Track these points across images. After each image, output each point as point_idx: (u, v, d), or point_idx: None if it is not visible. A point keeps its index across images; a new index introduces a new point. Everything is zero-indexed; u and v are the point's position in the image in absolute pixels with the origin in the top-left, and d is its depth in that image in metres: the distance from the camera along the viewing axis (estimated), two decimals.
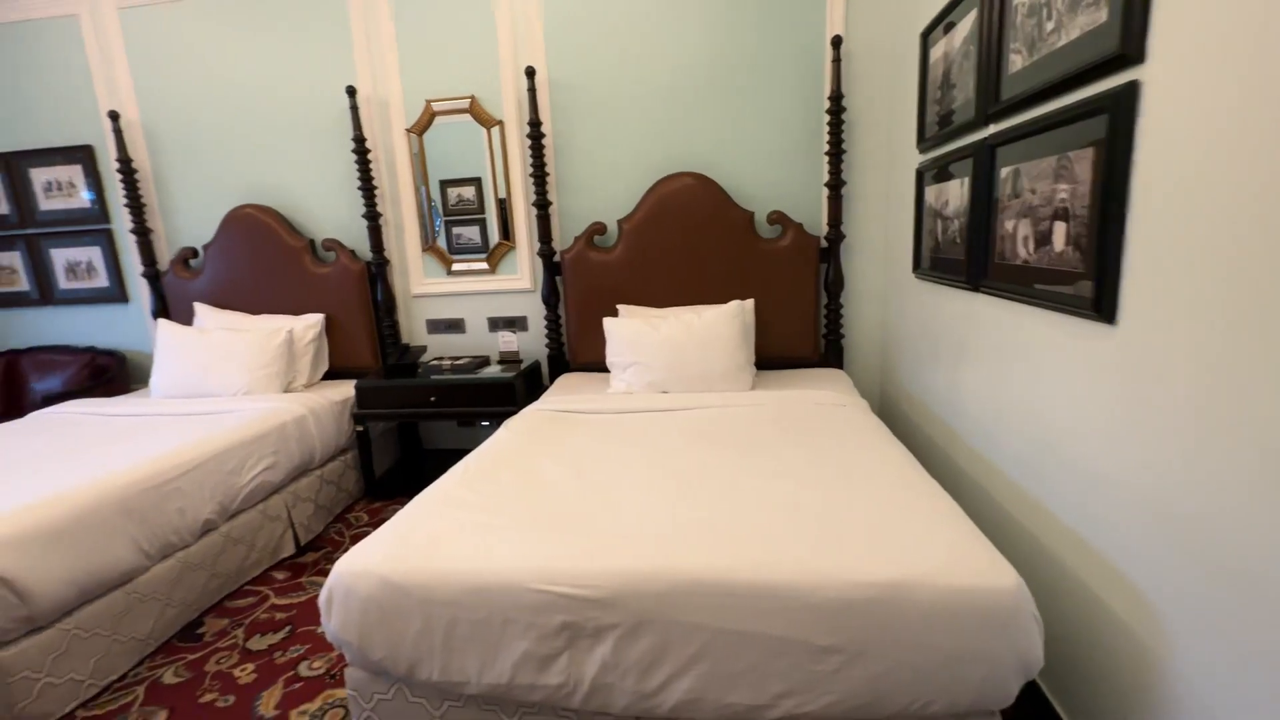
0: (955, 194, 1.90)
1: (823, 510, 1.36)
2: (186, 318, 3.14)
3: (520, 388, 2.70)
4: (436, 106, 2.91)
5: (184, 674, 1.73)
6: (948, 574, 1.08)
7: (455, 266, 3.08)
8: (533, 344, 3.10)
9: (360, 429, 2.78)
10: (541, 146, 2.76)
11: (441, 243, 3.07)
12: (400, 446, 3.23)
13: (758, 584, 1.12)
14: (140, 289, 3.38)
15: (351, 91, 2.82)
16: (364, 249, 3.06)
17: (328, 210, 3.11)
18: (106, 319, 3.48)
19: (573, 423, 2.15)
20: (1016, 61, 1.47)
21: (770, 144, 2.75)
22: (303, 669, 1.72)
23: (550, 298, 2.93)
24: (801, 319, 2.76)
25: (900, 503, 1.37)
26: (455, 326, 3.16)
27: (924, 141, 2.20)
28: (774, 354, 2.76)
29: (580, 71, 2.80)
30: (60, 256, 3.43)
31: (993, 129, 1.65)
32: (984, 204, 1.67)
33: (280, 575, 2.23)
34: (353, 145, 2.87)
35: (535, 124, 2.72)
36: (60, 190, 3.34)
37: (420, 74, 2.91)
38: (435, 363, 2.92)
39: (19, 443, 2.24)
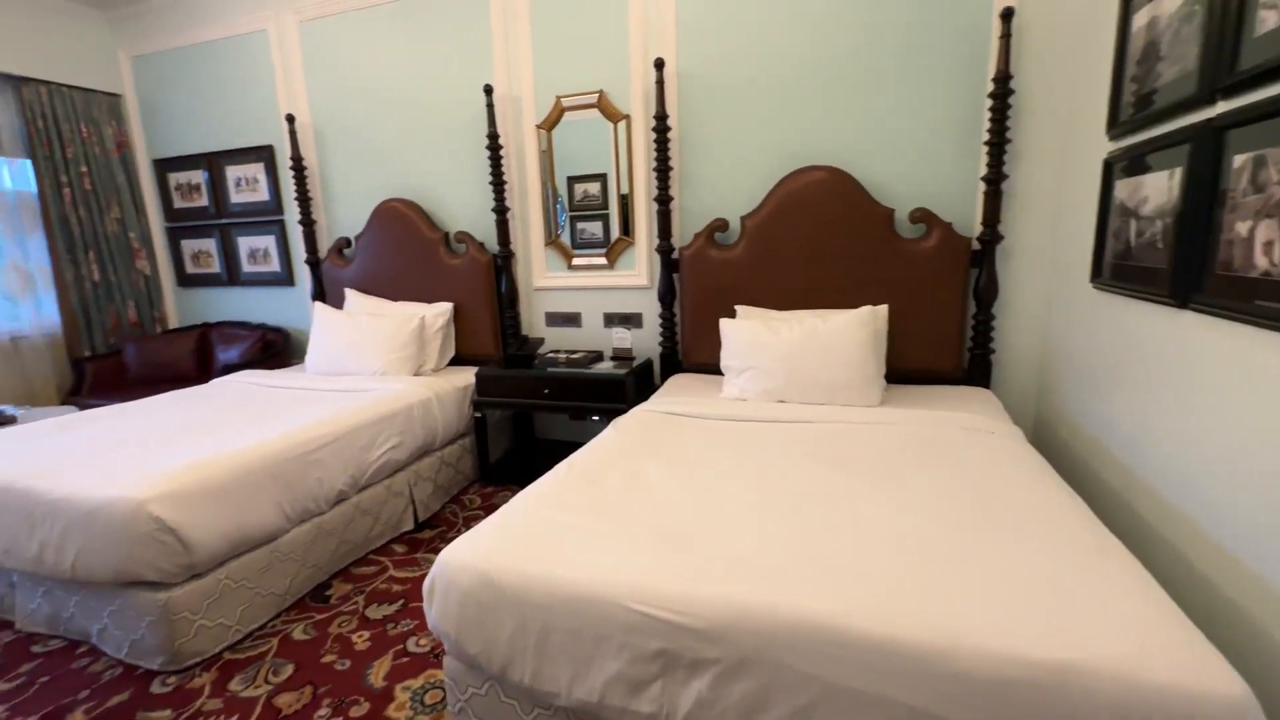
0: (1158, 189, 1.56)
1: (968, 559, 1.16)
2: (338, 302, 3.45)
3: (631, 386, 2.66)
4: (566, 102, 2.94)
5: (311, 632, 1.87)
6: (1142, 666, 0.86)
7: (575, 261, 3.11)
8: (646, 341, 3.05)
9: (478, 416, 2.89)
10: (666, 141, 2.69)
11: (565, 237, 3.11)
12: (514, 434, 3.33)
13: (885, 639, 0.97)
14: (304, 274, 3.77)
15: (488, 90, 2.92)
16: (492, 242, 3.18)
17: (461, 204, 3.27)
18: (276, 300, 3.93)
19: (682, 427, 2.07)
20: (1269, 19, 1.16)
21: (917, 134, 2.48)
22: (410, 644, 1.79)
23: (666, 295, 2.86)
24: (943, 330, 2.46)
25: (1069, 560, 1.13)
26: (572, 320, 3.20)
27: (1116, 127, 1.85)
28: (908, 367, 2.49)
29: (710, 61, 2.70)
30: (245, 244, 3.91)
31: (1223, 107, 1.32)
32: (1203, 201, 1.35)
33: (400, 549, 2.37)
34: (487, 142, 2.97)
35: (661, 117, 2.65)
36: (247, 185, 3.81)
37: (551, 70, 2.96)
38: (551, 355, 2.96)
39: (200, 406, 2.56)
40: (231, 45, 3.62)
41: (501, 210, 3.06)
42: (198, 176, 3.93)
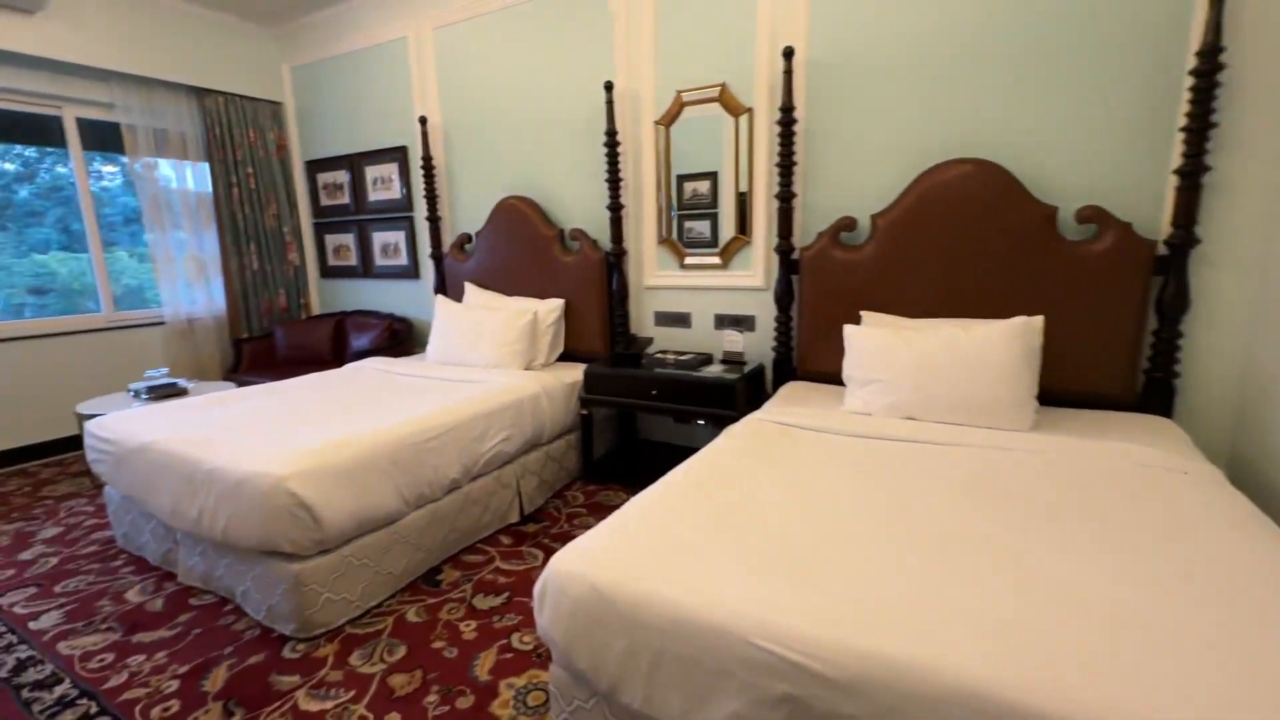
0: None
1: (1171, 630, 0.95)
2: (458, 295, 3.60)
3: (741, 391, 2.54)
4: (686, 97, 2.86)
5: (423, 615, 1.92)
6: None
7: (688, 260, 3.03)
8: (759, 345, 2.91)
9: (585, 413, 2.89)
10: (791, 134, 2.53)
11: (675, 235, 3.04)
12: (618, 433, 3.31)
13: None
14: (428, 268, 3.98)
15: (609, 86, 2.91)
16: (605, 239, 3.17)
17: (577, 202, 3.29)
18: (402, 291, 4.18)
19: (800, 440, 1.93)
20: None
21: (1091, 120, 2.15)
22: (515, 640, 1.79)
23: (783, 297, 2.71)
24: (1113, 347, 2.12)
25: None
26: (682, 321, 3.12)
27: None
28: (1066, 389, 2.18)
29: (844, 48, 2.51)
30: (379, 239, 4.20)
31: None
32: None
33: (506, 540, 2.40)
34: (605, 139, 2.96)
35: (787, 109, 2.51)
36: (383, 184, 4.08)
37: (673, 65, 2.89)
38: (659, 355, 2.91)
39: (336, 388, 2.75)
40: (374, 53, 3.88)
41: (616, 208, 3.04)
42: (341, 176, 4.27)
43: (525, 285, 3.39)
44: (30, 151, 3.60)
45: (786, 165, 2.57)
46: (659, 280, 3.13)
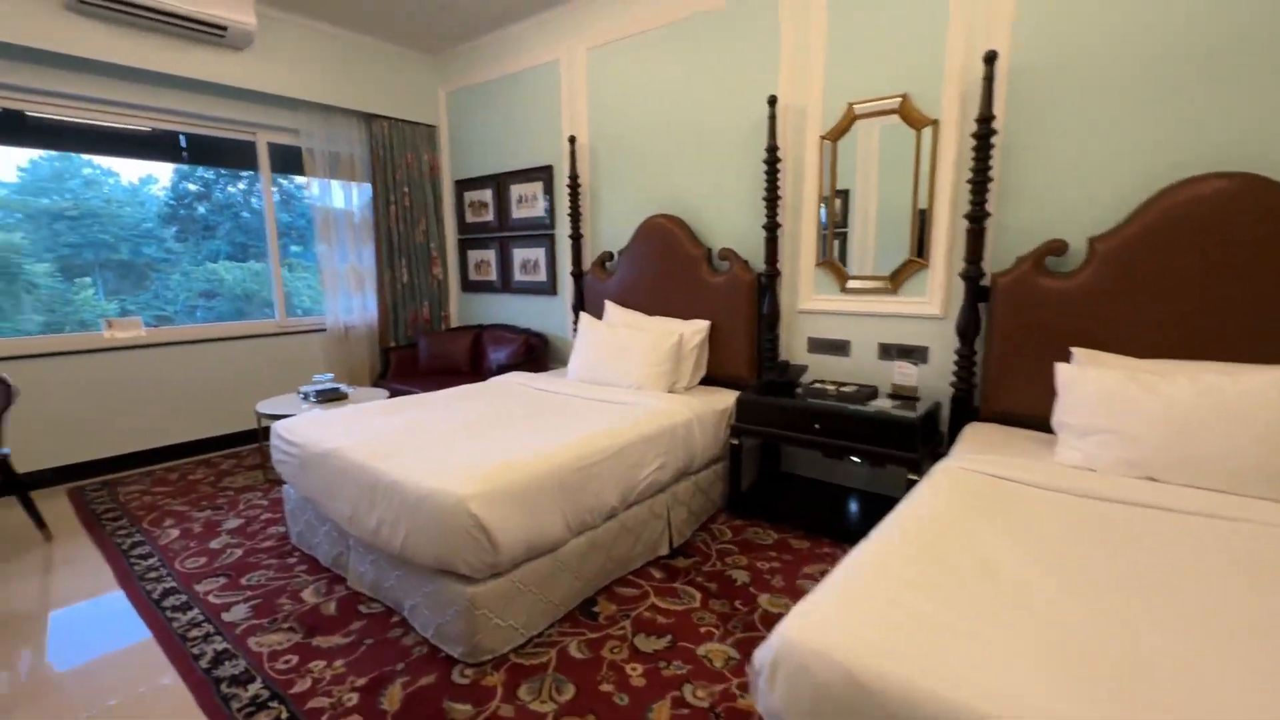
0: None
1: None
2: (597, 313, 3.58)
3: (921, 430, 2.28)
4: (859, 109, 2.67)
5: (585, 651, 1.83)
6: None
7: (850, 284, 2.81)
8: (932, 380, 2.63)
9: (735, 442, 2.73)
10: (989, 148, 2.27)
11: (837, 257, 2.84)
12: (761, 464, 3.12)
13: None
14: (566, 285, 4.01)
15: (772, 100, 2.78)
16: (757, 260, 3.02)
17: (727, 221, 3.17)
18: (539, 307, 4.25)
19: (1018, 497, 1.66)
20: None
21: None
22: (687, 693, 1.65)
23: (967, 328, 2.42)
24: None
25: None
26: (839, 349, 2.90)
27: None
28: None
29: (1057, 49, 2.22)
30: (519, 255, 4.30)
31: None
32: None
33: (657, 574, 2.28)
34: (764, 155, 2.83)
35: (986, 120, 2.25)
36: (526, 203, 4.18)
37: (845, 76, 2.71)
38: (817, 386, 2.70)
39: (486, 402, 2.78)
40: (526, 76, 4.00)
41: (772, 227, 2.89)
42: (486, 195, 4.43)
43: (668, 305, 3.31)
44: (209, 174, 4.00)
45: (981, 182, 2.30)
46: (815, 304, 2.93)
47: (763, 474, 3.11)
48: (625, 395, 2.82)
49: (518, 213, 4.25)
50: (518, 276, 4.34)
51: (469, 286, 4.75)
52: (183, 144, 3.78)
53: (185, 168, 3.88)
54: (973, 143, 2.30)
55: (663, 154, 3.39)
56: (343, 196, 4.25)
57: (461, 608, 1.74)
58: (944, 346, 2.59)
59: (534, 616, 1.89)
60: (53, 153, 3.42)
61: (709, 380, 3.18)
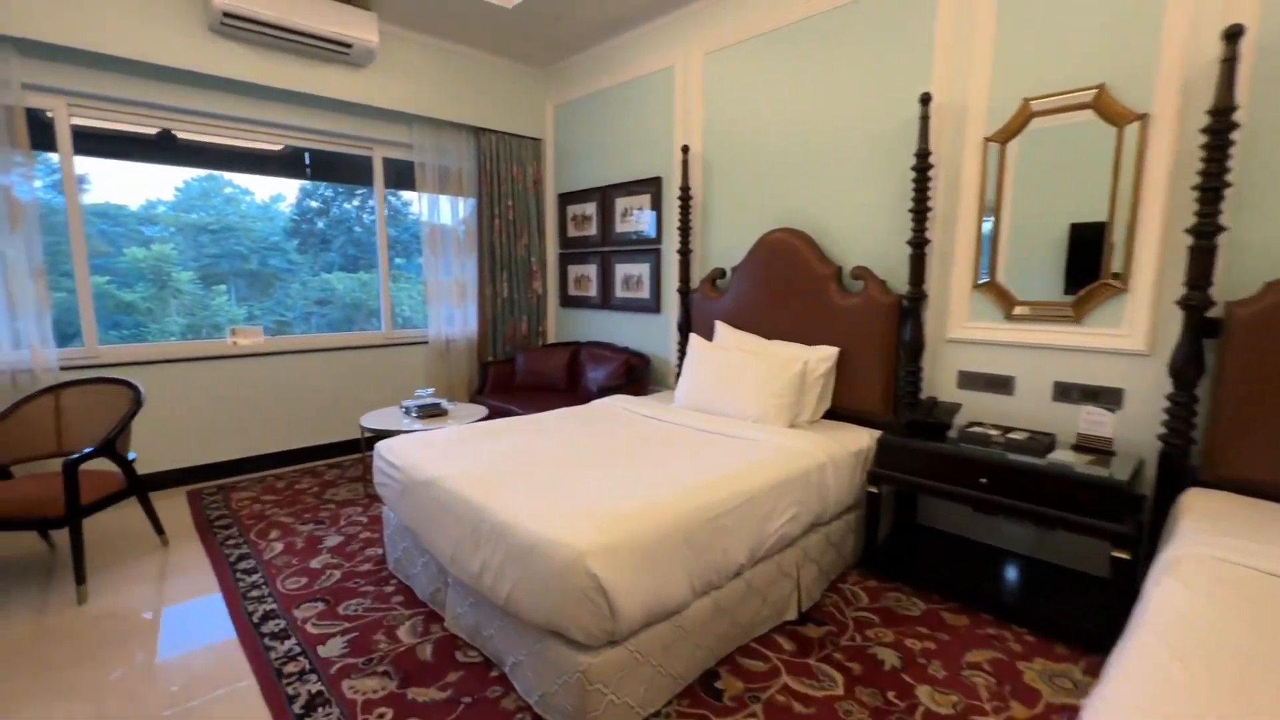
0: None
1: None
2: (705, 333, 3.31)
3: (1131, 496, 1.83)
4: (1037, 105, 2.26)
5: None
6: None
7: (1018, 309, 2.38)
8: (1129, 431, 2.16)
9: (873, 490, 2.36)
10: (1227, 145, 1.81)
11: (1003, 278, 2.42)
12: (895, 514, 2.72)
13: None
14: (671, 303, 3.78)
15: (925, 99, 2.42)
16: (897, 280, 2.65)
17: (862, 236, 2.82)
18: (641, 325, 4.04)
19: None
20: None
21: None
22: None
23: (1186, 369, 1.94)
24: None
25: None
26: (1000, 386, 2.46)
27: None
28: None
29: None
30: (621, 270, 4.12)
31: None
32: None
33: (786, 644, 1.96)
34: (913, 161, 2.47)
35: (1224, 112, 1.79)
36: (630, 216, 4.00)
37: (1019, 67, 2.31)
38: (976, 429, 2.29)
39: (592, 429, 2.57)
40: (635, 86, 3.84)
41: (920, 243, 2.51)
42: (590, 208, 4.30)
43: (789, 328, 2.99)
44: (328, 191, 4.13)
45: (1214, 189, 1.84)
46: (970, 332, 2.52)
47: (896, 526, 2.70)
48: (743, 428, 2.52)
49: (622, 226, 4.07)
50: (619, 292, 4.16)
51: (568, 302, 4.63)
52: (306, 160, 3.91)
53: (309, 185, 4.02)
54: (1201, 140, 1.85)
55: (785, 163, 3.09)
56: (449, 210, 4.25)
57: (572, 679, 1.51)
58: (1146, 390, 2.11)
59: (653, 691, 1.62)
60: (201, 173, 3.65)
61: (833, 414, 2.82)
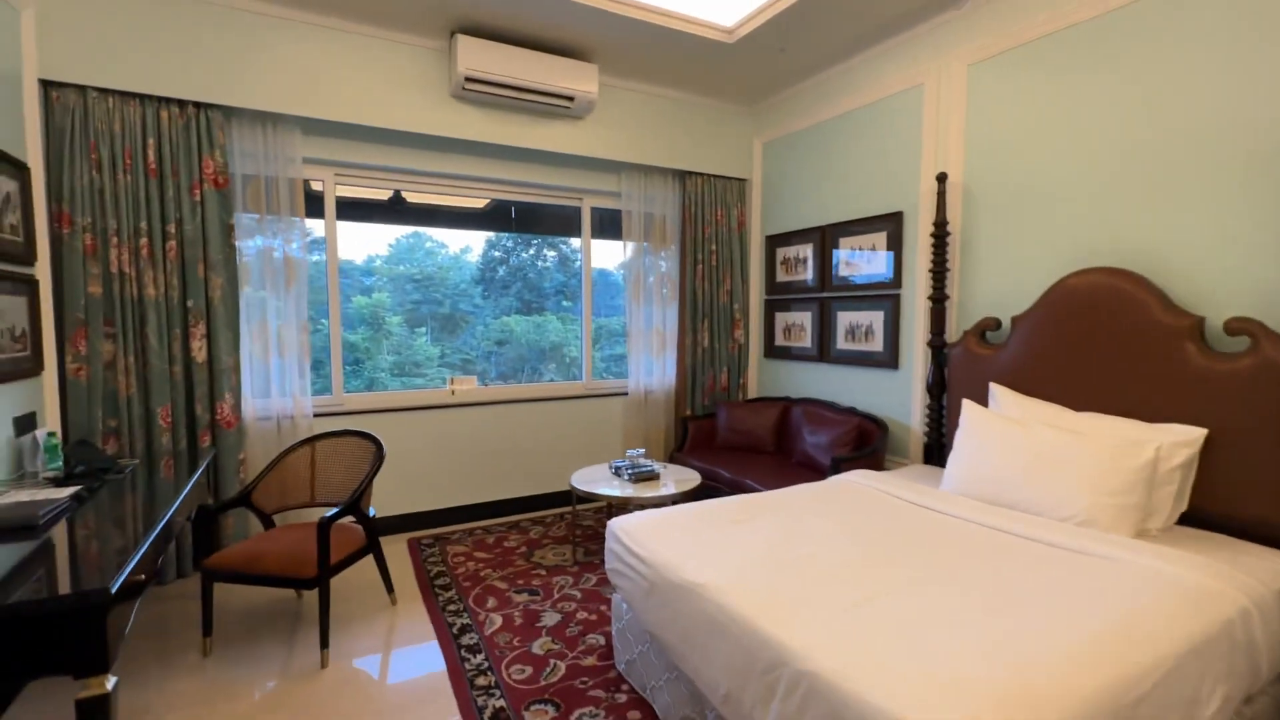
0: None
1: None
2: (972, 396, 2.68)
3: None
4: None
5: None
6: None
7: None
8: None
9: None
10: None
11: None
12: None
13: None
14: (914, 358, 3.19)
15: None
16: None
17: (1236, 277, 2.06)
18: (869, 383, 3.48)
19: None
20: None
21: None
22: None
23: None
24: None
25: None
26: None
27: None
28: None
29: None
30: (845, 319, 3.61)
31: None
32: None
33: None
34: None
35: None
36: (860, 258, 3.50)
37: None
38: None
39: (852, 520, 2.08)
40: (866, 114, 3.39)
41: None
42: (804, 250, 3.88)
43: (1111, 397, 2.27)
44: (508, 241, 4.22)
45: None
46: None
47: None
48: (1066, 535, 1.88)
49: (846, 269, 3.59)
50: (840, 344, 3.65)
51: (773, 352, 4.21)
52: (513, 214, 4.00)
53: (493, 237, 4.19)
54: None
55: (1094, 188, 2.43)
56: (652, 256, 4.08)
57: None
58: None
59: None
60: (410, 230, 3.95)
61: (1191, 519, 2.05)
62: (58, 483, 1.99)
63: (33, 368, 2.37)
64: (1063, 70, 2.50)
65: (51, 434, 2.18)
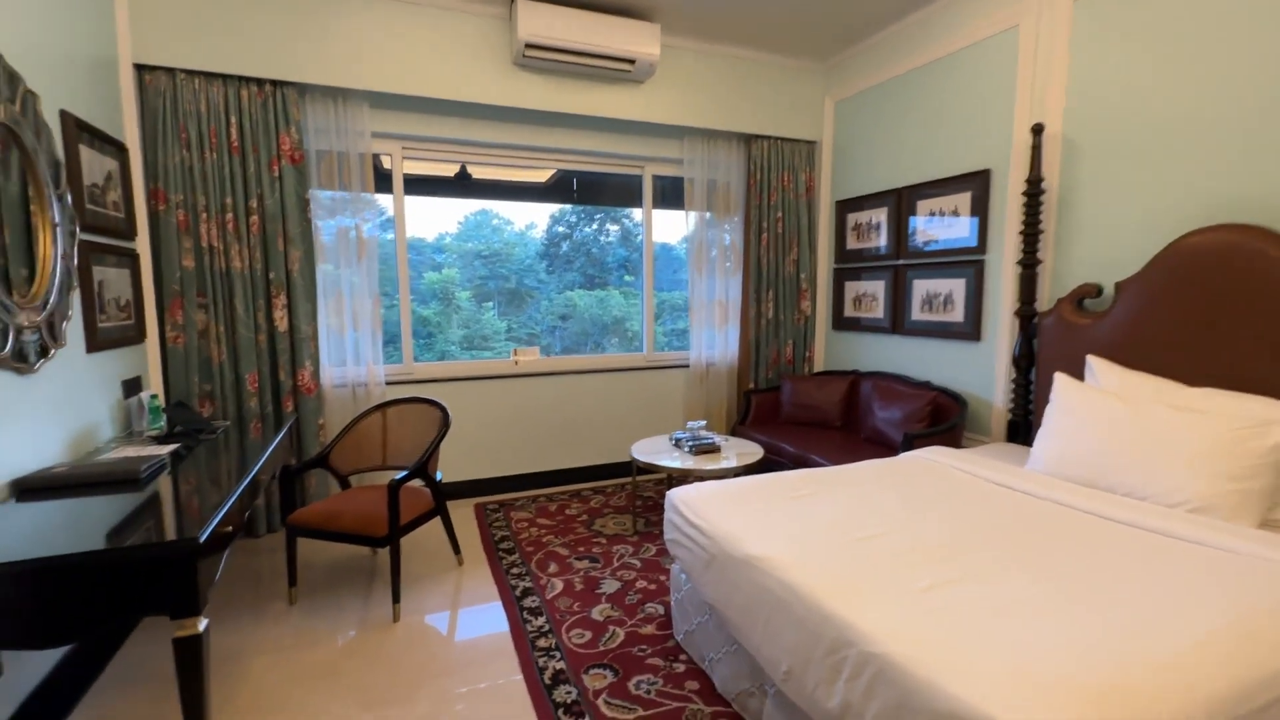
0: None
1: None
2: (1068, 370, 2.45)
3: None
4: None
5: None
6: None
7: None
8: None
9: None
10: None
11: None
12: None
13: None
14: (999, 328, 2.96)
15: None
16: None
17: None
18: (947, 355, 3.26)
19: None
20: None
21: None
22: None
23: None
24: None
25: None
26: None
27: None
28: None
29: None
30: (921, 287, 3.39)
31: None
32: None
33: None
34: None
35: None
36: (939, 222, 3.26)
37: None
38: None
39: (923, 498, 1.96)
40: (952, 63, 3.11)
41: None
42: (878, 215, 3.65)
43: (1235, 372, 2.02)
44: (571, 217, 4.21)
45: None
46: None
47: None
48: (1175, 522, 1.70)
49: (925, 234, 3.35)
50: (915, 314, 3.43)
51: (842, 324, 4.02)
52: (574, 186, 3.97)
53: (556, 213, 4.19)
54: None
55: (1223, 133, 2.13)
56: (715, 225, 3.96)
57: None
58: None
59: None
60: (478, 206, 4.01)
61: None
62: (159, 441, 2.16)
63: (136, 335, 2.57)
64: None
65: (154, 396, 2.36)
